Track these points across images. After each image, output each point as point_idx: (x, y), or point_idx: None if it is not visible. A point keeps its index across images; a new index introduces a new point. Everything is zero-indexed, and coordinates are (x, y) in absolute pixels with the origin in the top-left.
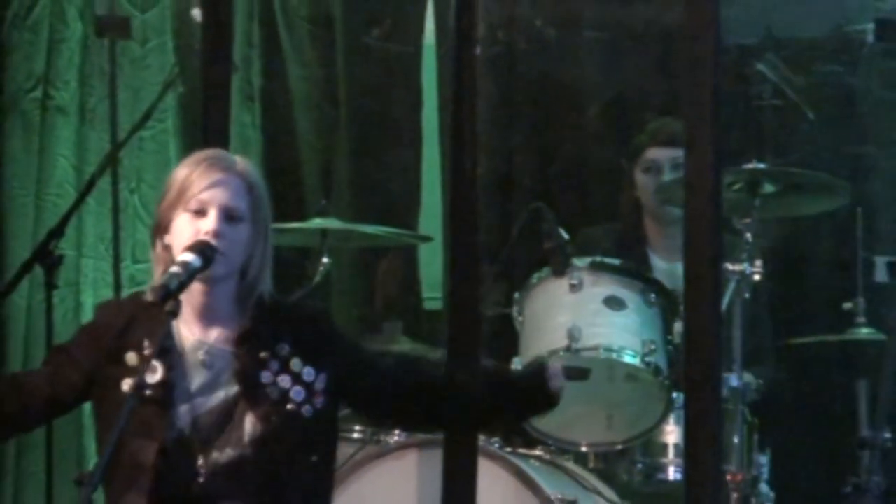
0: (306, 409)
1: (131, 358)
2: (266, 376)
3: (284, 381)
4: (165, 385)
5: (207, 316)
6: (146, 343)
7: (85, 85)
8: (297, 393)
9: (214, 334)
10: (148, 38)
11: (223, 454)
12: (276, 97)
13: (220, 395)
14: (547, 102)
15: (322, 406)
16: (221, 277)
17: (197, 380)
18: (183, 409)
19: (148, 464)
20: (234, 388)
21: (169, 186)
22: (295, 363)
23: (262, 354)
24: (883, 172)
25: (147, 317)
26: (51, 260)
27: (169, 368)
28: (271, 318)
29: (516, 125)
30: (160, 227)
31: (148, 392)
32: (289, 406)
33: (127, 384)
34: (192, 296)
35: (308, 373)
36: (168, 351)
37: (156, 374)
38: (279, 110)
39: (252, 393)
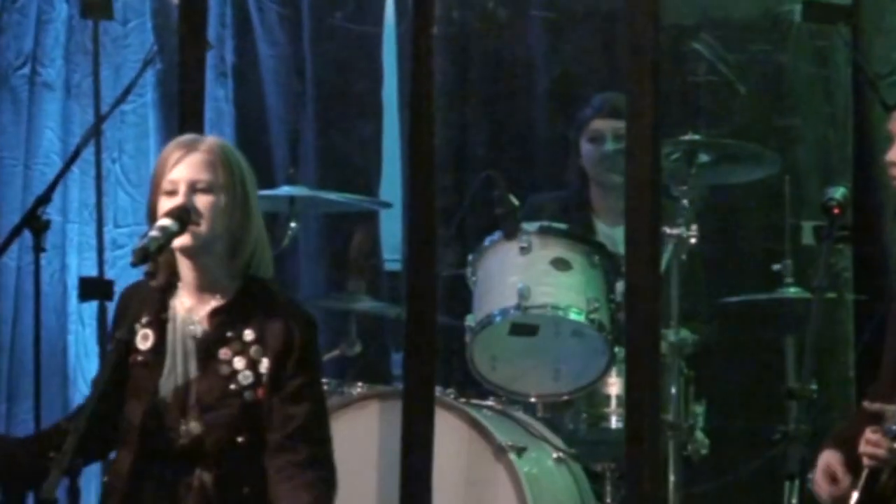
0: (248, 394)
1: (137, 329)
2: (224, 353)
3: (239, 362)
4: (154, 352)
5: (200, 290)
6: (144, 313)
7: (70, 62)
8: (245, 377)
9: (205, 308)
10: (129, 19)
11: (195, 423)
12: (248, 74)
13: (200, 367)
14: (498, 78)
15: (264, 397)
16: (201, 246)
17: (184, 350)
18: (168, 377)
19: (136, 423)
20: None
21: (151, 178)
22: (255, 350)
23: (229, 333)
24: (809, 143)
25: (151, 291)
26: (38, 225)
27: (159, 337)
28: (255, 302)
29: (470, 99)
30: (152, 218)
31: (139, 358)
32: (232, 386)
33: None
34: (185, 271)
35: (265, 364)
36: (163, 321)
37: (147, 342)
38: (250, 86)
39: (206, 365)
